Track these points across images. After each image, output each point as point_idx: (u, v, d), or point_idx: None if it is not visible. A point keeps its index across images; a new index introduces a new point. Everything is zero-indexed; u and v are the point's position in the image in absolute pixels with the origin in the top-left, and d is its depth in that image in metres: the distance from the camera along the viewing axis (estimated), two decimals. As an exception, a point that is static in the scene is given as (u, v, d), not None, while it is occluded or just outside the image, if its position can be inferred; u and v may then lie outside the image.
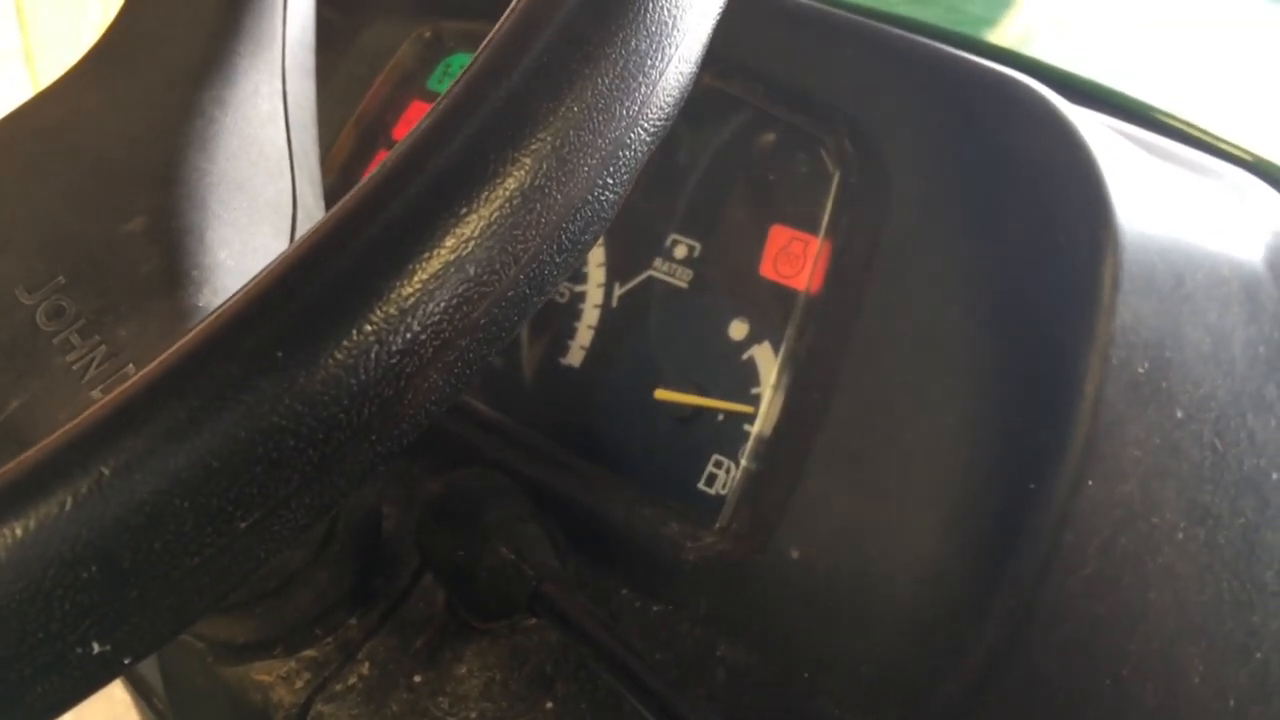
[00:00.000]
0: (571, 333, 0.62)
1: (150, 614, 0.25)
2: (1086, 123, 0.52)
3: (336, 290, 0.26)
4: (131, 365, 0.40)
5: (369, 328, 0.26)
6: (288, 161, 0.49)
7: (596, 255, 0.62)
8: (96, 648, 0.25)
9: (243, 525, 0.26)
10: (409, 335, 0.26)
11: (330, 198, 0.50)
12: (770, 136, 0.59)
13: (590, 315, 0.62)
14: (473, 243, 0.27)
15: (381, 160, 0.29)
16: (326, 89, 0.71)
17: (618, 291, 0.61)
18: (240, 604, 0.47)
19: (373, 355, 0.26)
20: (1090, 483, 0.47)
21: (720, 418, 0.57)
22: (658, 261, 0.61)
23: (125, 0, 0.52)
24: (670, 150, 0.62)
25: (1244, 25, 0.87)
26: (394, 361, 0.26)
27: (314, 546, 0.47)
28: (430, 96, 0.71)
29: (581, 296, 0.62)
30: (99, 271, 0.43)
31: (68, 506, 0.24)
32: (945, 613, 0.47)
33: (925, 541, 0.48)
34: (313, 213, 0.49)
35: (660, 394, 0.58)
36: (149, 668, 0.60)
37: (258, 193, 0.47)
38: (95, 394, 0.40)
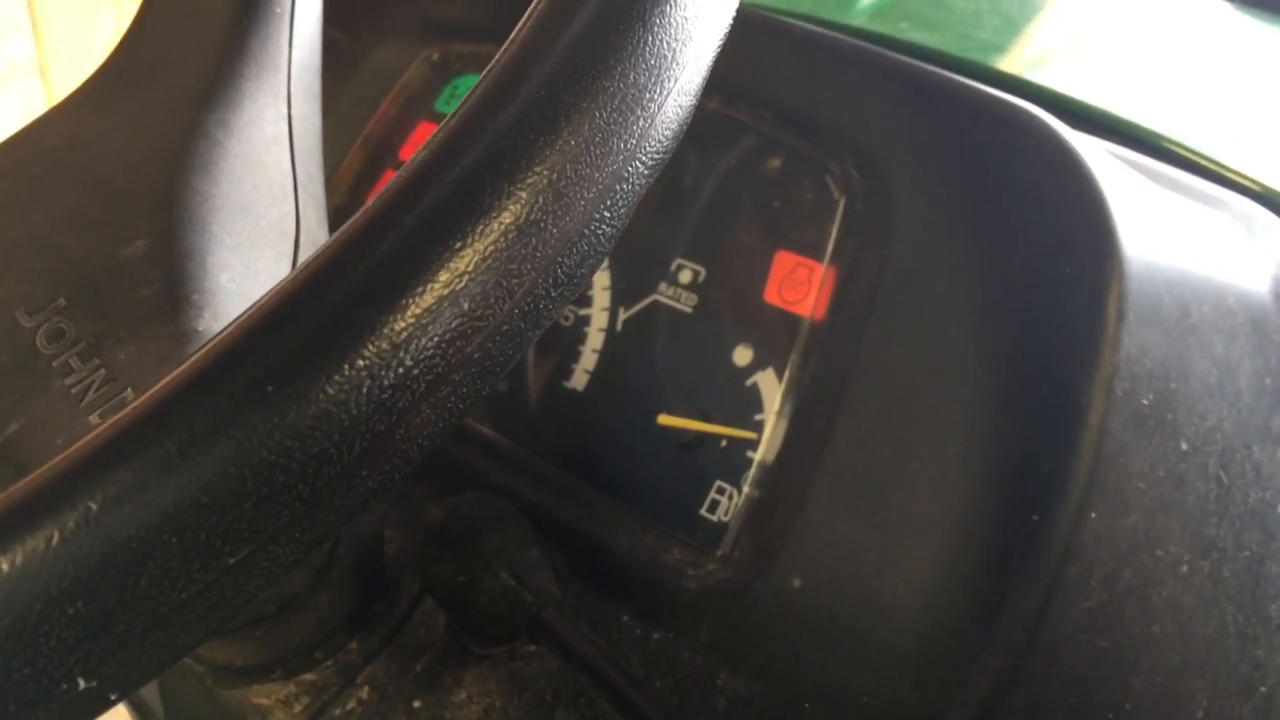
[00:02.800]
0: (575, 356, 0.62)
1: (137, 650, 0.25)
2: (1093, 151, 0.52)
3: (328, 324, 0.26)
4: (130, 389, 0.40)
5: (361, 362, 0.26)
6: (292, 184, 0.49)
7: (601, 279, 0.62)
8: (82, 684, 0.25)
9: (231, 561, 0.25)
10: (401, 370, 0.26)
11: (337, 219, 0.50)
12: (776, 162, 0.59)
13: (594, 339, 0.62)
14: (466, 277, 0.27)
15: (380, 190, 0.29)
16: (334, 110, 0.71)
17: (622, 315, 0.61)
18: (240, 627, 0.46)
19: (364, 390, 0.26)
20: (1094, 515, 0.46)
21: (723, 444, 0.56)
22: (663, 286, 0.61)
23: (131, 23, 0.52)
24: (676, 174, 0.62)
25: (1253, 53, 0.86)
26: (386, 396, 0.26)
27: (315, 570, 0.47)
28: (437, 118, 0.71)
29: (586, 320, 0.62)
30: (100, 294, 0.43)
31: (54, 541, 0.24)
32: (947, 644, 0.47)
33: (927, 571, 0.47)
34: (316, 236, 0.49)
35: (663, 419, 0.58)
36: (149, 689, 0.60)
37: (260, 216, 0.47)
38: (93, 418, 0.39)
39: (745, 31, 0.58)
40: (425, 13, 0.74)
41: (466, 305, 0.27)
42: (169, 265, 0.43)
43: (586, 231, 0.29)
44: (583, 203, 0.29)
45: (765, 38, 0.60)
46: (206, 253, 0.44)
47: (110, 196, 0.46)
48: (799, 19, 0.64)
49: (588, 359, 0.62)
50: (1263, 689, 0.52)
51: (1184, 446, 0.50)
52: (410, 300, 0.26)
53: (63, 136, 0.49)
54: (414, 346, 0.26)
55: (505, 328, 0.28)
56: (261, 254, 0.46)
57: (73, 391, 0.40)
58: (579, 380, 0.62)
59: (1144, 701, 0.49)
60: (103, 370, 0.41)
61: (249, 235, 0.46)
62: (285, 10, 0.51)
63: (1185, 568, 0.49)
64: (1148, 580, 0.48)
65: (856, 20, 0.77)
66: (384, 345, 0.26)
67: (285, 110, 0.50)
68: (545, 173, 0.28)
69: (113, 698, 0.26)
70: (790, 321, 0.56)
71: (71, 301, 0.43)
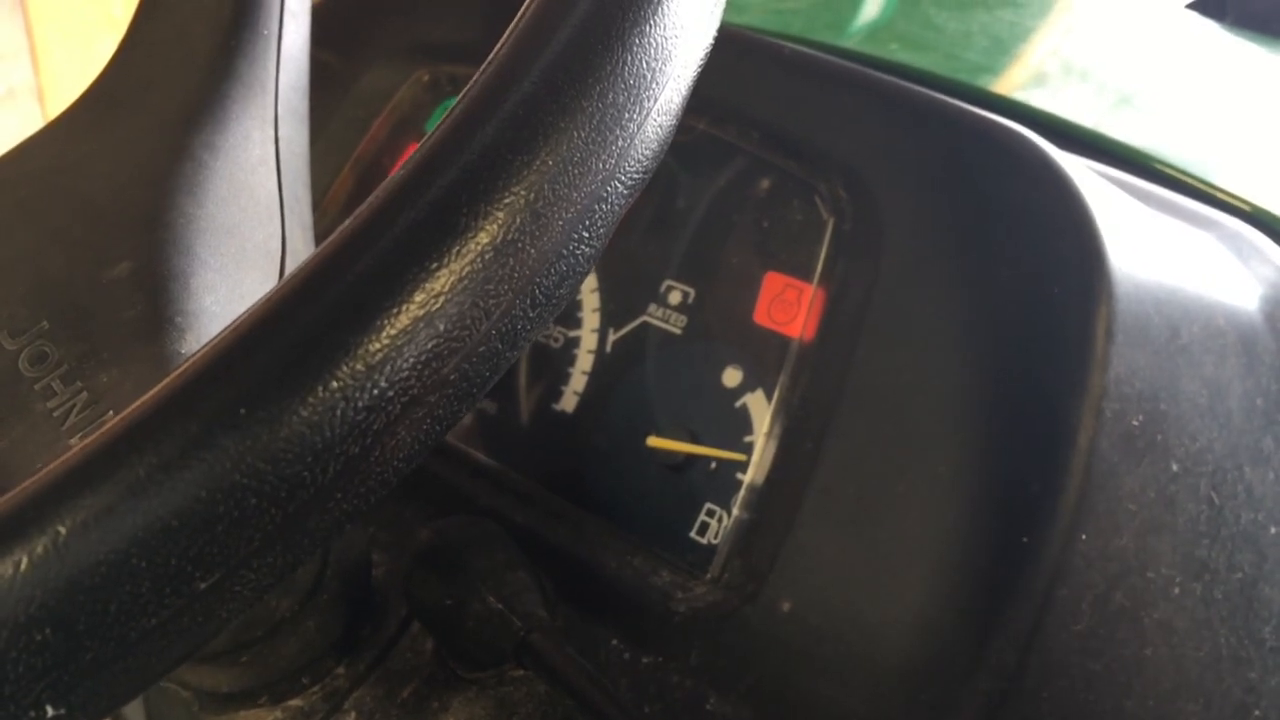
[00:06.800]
0: (565, 378, 0.62)
1: (107, 677, 0.25)
2: (1081, 172, 0.52)
3: (302, 346, 0.26)
4: (111, 412, 0.40)
5: (335, 384, 0.25)
6: (278, 206, 0.49)
7: (591, 300, 0.62)
8: (50, 711, 0.24)
9: (202, 586, 0.25)
10: (376, 392, 0.26)
11: (323, 241, 0.50)
12: (765, 183, 0.59)
13: (584, 361, 0.61)
14: (442, 298, 0.27)
15: (354, 213, 0.28)
16: (324, 132, 0.71)
17: (612, 337, 0.61)
18: (226, 652, 0.46)
19: (338, 412, 0.25)
20: (1084, 536, 0.46)
21: (713, 466, 0.56)
22: (652, 307, 0.60)
23: (119, 46, 0.52)
24: (666, 196, 0.62)
25: (1243, 74, 0.86)
26: (360, 419, 0.26)
27: (301, 594, 0.47)
28: (428, 140, 0.71)
29: (575, 341, 0.62)
30: (83, 317, 0.42)
31: (22, 567, 0.23)
32: (937, 667, 0.47)
33: (917, 594, 0.47)
34: (302, 258, 0.49)
35: (653, 441, 0.58)
36: (135, 714, 0.59)
37: (246, 238, 0.46)
38: (74, 441, 0.39)
39: (734, 52, 0.59)
40: (415, 35, 0.74)
41: (442, 326, 0.27)
42: (153, 287, 0.43)
43: (565, 252, 0.29)
44: (561, 223, 0.29)
45: (753, 59, 0.60)
46: (191, 275, 0.44)
47: (95, 219, 0.46)
48: (790, 40, 0.64)
49: (577, 381, 0.61)
50: (1257, 712, 0.52)
51: (1175, 468, 0.49)
52: (385, 321, 0.26)
53: (48, 159, 0.49)
54: (389, 368, 0.26)
55: (482, 349, 0.28)
56: (247, 276, 0.46)
57: (54, 414, 0.40)
58: (568, 402, 0.61)
59: (1137, 725, 0.48)
60: (85, 393, 0.40)
61: (234, 257, 0.46)
62: (273, 32, 0.51)
63: (1177, 589, 0.49)
64: (1139, 602, 0.48)
65: (848, 42, 0.77)
66: (358, 367, 0.26)
67: (272, 132, 0.50)
68: (522, 193, 0.28)
69: None
70: (780, 342, 0.56)
71: (55, 324, 0.42)
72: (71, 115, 0.51)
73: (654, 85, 0.31)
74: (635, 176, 0.31)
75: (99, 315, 0.42)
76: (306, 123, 0.53)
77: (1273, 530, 0.53)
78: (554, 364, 0.62)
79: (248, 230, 0.47)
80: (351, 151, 0.73)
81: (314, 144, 0.54)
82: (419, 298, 0.26)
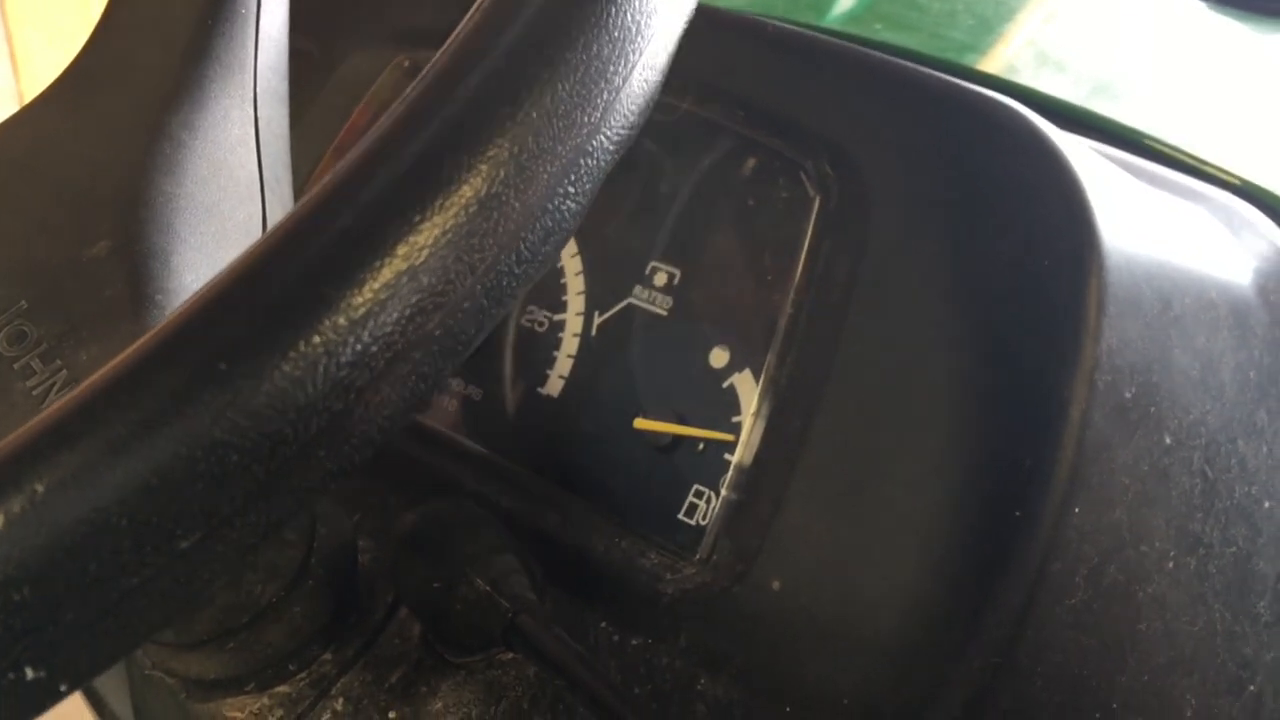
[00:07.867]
0: (550, 362, 0.61)
1: (88, 638, 0.24)
2: (1071, 146, 0.52)
3: (283, 300, 0.25)
4: None
5: (317, 339, 0.25)
6: (258, 186, 0.48)
7: (576, 283, 0.62)
8: (30, 673, 0.24)
9: (184, 545, 0.25)
10: (359, 347, 0.26)
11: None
12: (750, 162, 0.59)
13: (569, 344, 0.61)
14: (426, 251, 0.26)
15: (334, 168, 0.28)
16: (306, 119, 0.71)
17: (597, 320, 0.61)
18: (212, 639, 0.46)
19: (321, 368, 0.25)
20: (1077, 510, 0.46)
21: (700, 447, 0.56)
22: (638, 289, 0.60)
23: (96, 26, 0.52)
24: (650, 176, 0.61)
25: (1228, 51, 0.86)
26: (343, 374, 0.25)
27: (287, 580, 0.46)
28: (410, 126, 0.71)
29: (561, 325, 0.61)
30: (62, 296, 0.42)
31: None
32: (929, 644, 0.46)
33: (908, 571, 0.47)
34: None
35: (640, 423, 0.57)
36: (120, 703, 0.59)
37: (226, 217, 0.46)
38: None
39: (717, 30, 0.58)
40: (395, 21, 0.74)
41: (426, 281, 0.26)
42: (133, 265, 0.43)
43: (550, 206, 0.29)
44: (545, 176, 0.28)
45: (737, 36, 0.60)
46: (171, 253, 0.43)
47: (74, 198, 0.45)
48: (773, 21, 0.64)
49: (563, 364, 0.61)
50: (1251, 687, 0.51)
51: (1168, 440, 0.49)
52: (368, 275, 0.26)
53: (26, 140, 0.48)
54: (373, 323, 0.26)
55: (467, 304, 0.28)
56: (227, 254, 0.45)
57: (34, 393, 0.40)
58: (554, 386, 0.61)
59: (1131, 700, 0.48)
60: (64, 371, 0.40)
61: (214, 236, 0.45)
62: (250, 12, 0.51)
63: (1171, 564, 0.49)
64: (1133, 576, 0.48)
65: (831, 24, 0.77)
66: (341, 321, 0.25)
67: (251, 112, 0.50)
68: (506, 145, 0.27)
69: (63, 689, 0.25)
70: (767, 322, 0.56)
71: (33, 303, 0.42)
72: (48, 96, 0.50)
73: (639, 39, 0.30)
74: (621, 132, 0.31)
75: (78, 294, 0.42)
76: (286, 104, 0.53)
77: (1267, 504, 0.53)
78: (539, 348, 0.62)
79: (228, 209, 0.47)
80: (332, 138, 0.72)
81: (294, 131, 0.54)
82: (401, 250, 0.26)
